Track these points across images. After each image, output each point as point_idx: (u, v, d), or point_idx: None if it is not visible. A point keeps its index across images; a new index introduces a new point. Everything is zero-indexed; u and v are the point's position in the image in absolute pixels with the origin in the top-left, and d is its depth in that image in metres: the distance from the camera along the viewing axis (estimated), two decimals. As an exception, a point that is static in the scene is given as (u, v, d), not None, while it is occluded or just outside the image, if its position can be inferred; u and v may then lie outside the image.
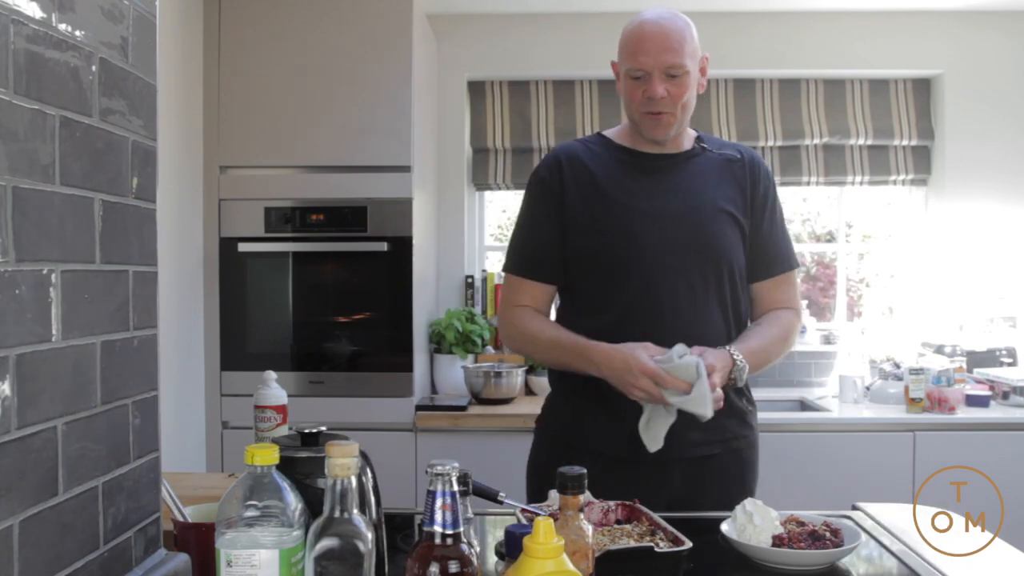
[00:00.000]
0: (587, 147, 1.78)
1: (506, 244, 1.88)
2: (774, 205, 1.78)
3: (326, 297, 3.04)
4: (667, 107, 1.65)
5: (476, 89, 3.73)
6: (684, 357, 1.51)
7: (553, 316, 1.81)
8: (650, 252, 1.66)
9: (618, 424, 1.62)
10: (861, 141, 3.70)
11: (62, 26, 0.86)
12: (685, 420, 1.55)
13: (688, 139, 1.78)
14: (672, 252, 1.66)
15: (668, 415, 1.54)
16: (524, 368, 3.24)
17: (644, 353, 1.53)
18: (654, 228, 1.67)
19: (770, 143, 3.71)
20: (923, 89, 3.73)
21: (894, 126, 3.70)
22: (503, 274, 1.84)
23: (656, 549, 1.20)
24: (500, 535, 1.17)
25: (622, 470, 1.60)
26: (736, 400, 1.71)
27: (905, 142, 3.71)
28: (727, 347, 1.62)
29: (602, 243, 1.68)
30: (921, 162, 3.74)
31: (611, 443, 1.64)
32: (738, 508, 1.29)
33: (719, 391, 1.54)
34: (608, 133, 1.81)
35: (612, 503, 1.37)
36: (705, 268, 1.67)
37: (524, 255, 1.77)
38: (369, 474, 1.09)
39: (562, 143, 1.85)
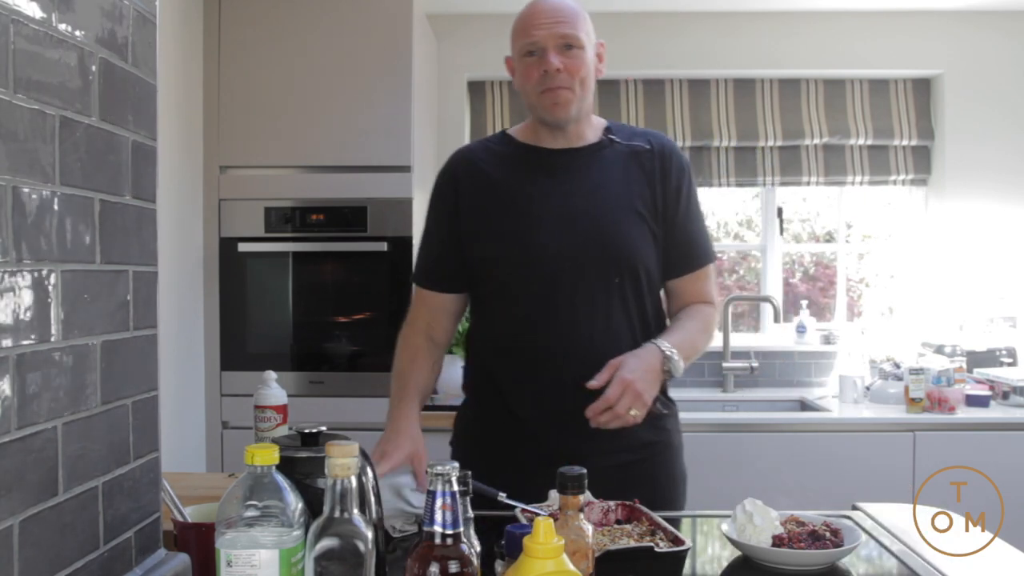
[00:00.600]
0: (488, 148, 1.72)
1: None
2: (689, 197, 1.69)
3: (326, 297, 3.04)
4: (565, 82, 1.57)
5: (476, 89, 3.73)
6: (403, 479, 1.45)
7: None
8: (549, 258, 1.59)
9: (521, 434, 1.61)
10: (861, 141, 3.70)
11: (62, 26, 0.86)
12: (589, 430, 1.52)
13: (595, 131, 1.68)
14: (572, 257, 1.59)
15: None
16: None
17: (397, 454, 1.49)
18: (552, 232, 1.59)
19: (770, 143, 3.71)
20: (923, 89, 3.73)
21: (894, 126, 3.70)
22: None
23: (656, 549, 1.20)
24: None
25: (527, 480, 1.45)
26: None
27: (905, 142, 3.71)
28: (654, 341, 1.57)
29: (498, 251, 1.62)
30: (921, 162, 3.74)
31: (514, 452, 1.61)
32: (738, 508, 1.29)
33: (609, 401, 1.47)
34: (513, 131, 1.74)
35: (612, 503, 1.37)
36: (608, 272, 1.60)
37: (420, 264, 1.74)
38: (369, 474, 1.09)
39: (464, 145, 1.80)
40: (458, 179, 1.68)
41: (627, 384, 1.48)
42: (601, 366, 1.59)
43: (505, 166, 1.67)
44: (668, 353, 1.55)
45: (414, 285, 1.76)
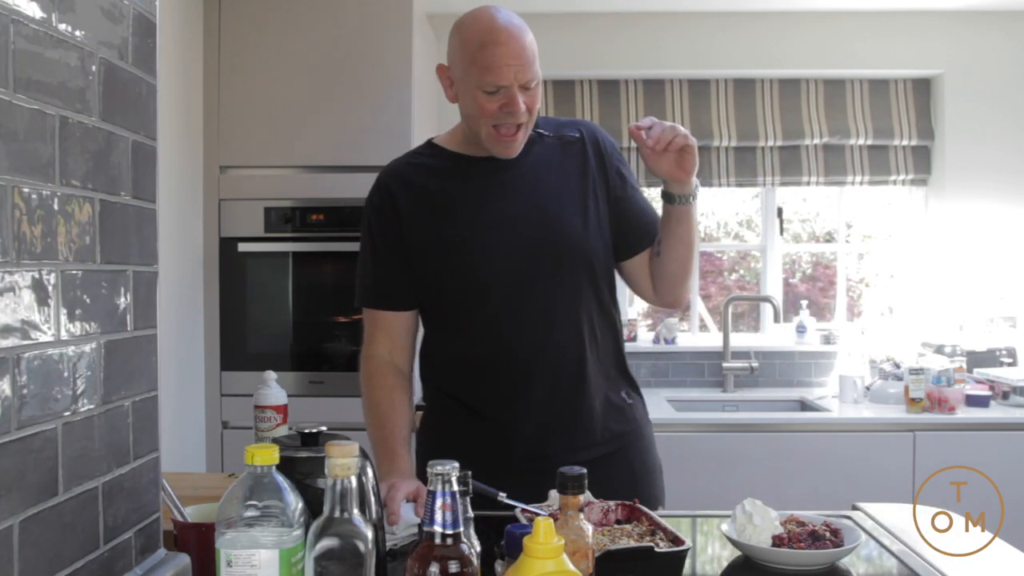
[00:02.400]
0: (418, 160, 1.68)
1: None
2: (626, 175, 1.68)
3: (326, 297, 3.04)
4: (523, 118, 1.54)
5: (476, 89, 3.73)
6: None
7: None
8: (498, 261, 1.58)
9: (489, 438, 1.60)
10: (861, 141, 3.70)
11: (62, 26, 0.86)
12: (557, 428, 1.54)
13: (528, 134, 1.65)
14: (522, 258, 1.58)
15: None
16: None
17: (402, 491, 1.43)
18: (498, 235, 1.58)
19: (770, 143, 3.71)
20: (923, 89, 3.73)
21: (894, 126, 3.70)
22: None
23: (656, 549, 1.20)
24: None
25: (501, 483, 1.43)
26: (611, 396, 1.65)
27: (905, 142, 3.71)
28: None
29: (447, 261, 1.60)
30: (921, 162, 3.74)
31: (483, 456, 1.54)
32: (738, 508, 1.29)
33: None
34: (438, 140, 1.71)
35: (612, 503, 1.37)
36: (559, 267, 1.59)
37: (368, 286, 1.67)
38: (369, 474, 1.09)
39: (390, 162, 1.73)
40: (395, 194, 1.64)
41: (671, 126, 1.50)
42: (563, 362, 1.61)
43: (440, 177, 1.64)
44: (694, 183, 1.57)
45: (365, 311, 1.70)
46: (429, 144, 1.72)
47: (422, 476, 1.67)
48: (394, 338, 1.67)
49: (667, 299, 1.74)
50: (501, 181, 1.62)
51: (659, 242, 1.65)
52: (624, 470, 1.64)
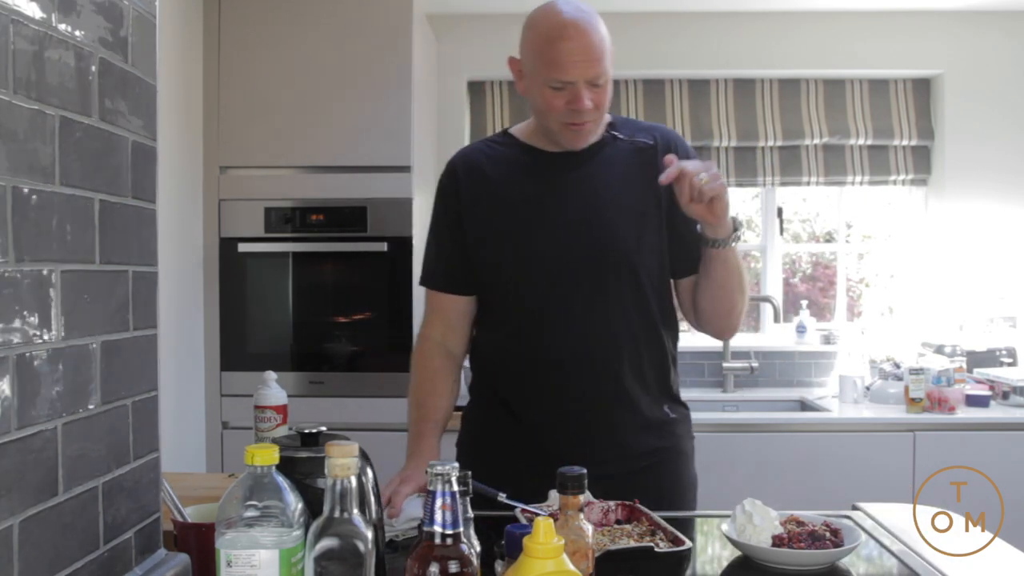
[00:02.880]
0: (490, 148, 1.69)
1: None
2: None
3: (326, 297, 3.04)
4: (591, 116, 1.54)
5: (476, 89, 3.73)
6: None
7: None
8: (546, 263, 1.58)
9: (524, 439, 1.60)
10: (861, 141, 3.70)
11: (62, 26, 0.86)
12: (586, 434, 1.55)
13: (599, 129, 1.64)
14: (568, 261, 1.58)
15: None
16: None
17: (410, 486, 1.46)
18: (549, 237, 1.58)
19: (770, 143, 3.71)
20: (923, 89, 3.73)
21: (894, 126, 3.70)
22: None
23: (656, 549, 1.20)
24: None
25: (531, 485, 1.44)
26: (652, 412, 1.63)
27: (905, 142, 3.71)
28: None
29: (499, 256, 1.61)
30: (921, 162, 3.74)
31: (517, 457, 1.60)
32: (737, 508, 1.29)
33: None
34: (515, 130, 1.70)
35: (612, 503, 1.37)
36: (605, 275, 1.58)
37: (430, 267, 1.70)
38: (369, 474, 1.09)
39: (466, 145, 1.75)
40: (460, 179, 1.66)
41: (709, 168, 1.47)
42: (597, 371, 1.59)
43: (505, 168, 1.65)
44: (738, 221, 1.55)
45: (425, 291, 1.72)
46: (505, 133, 1.72)
47: (461, 460, 1.69)
48: (449, 321, 1.68)
49: (705, 330, 1.72)
50: (563, 180, 1.62)
51: (699, 281, 1.64)
52: (653, 486, 1.60)
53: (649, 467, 1.62)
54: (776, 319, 3.53)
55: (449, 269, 1.68)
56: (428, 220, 1.76)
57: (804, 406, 3.42)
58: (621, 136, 1.65)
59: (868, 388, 3.30)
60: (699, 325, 1.72)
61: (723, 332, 1.72)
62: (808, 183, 3.74)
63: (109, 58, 0.94)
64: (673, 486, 1.66)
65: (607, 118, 1.66)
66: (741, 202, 4.02)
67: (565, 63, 1.49)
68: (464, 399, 1.75)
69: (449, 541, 0.88)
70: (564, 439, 1.58)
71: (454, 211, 1.66)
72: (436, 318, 1.70)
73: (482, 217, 1.63)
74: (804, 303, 3.74)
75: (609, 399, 1.60)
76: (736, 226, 1.55)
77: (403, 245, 2.95)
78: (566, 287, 1.59)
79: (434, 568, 0.87)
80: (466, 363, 1.74)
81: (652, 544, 1.21)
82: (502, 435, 1.65)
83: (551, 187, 1.62)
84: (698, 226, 1.57)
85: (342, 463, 0.90)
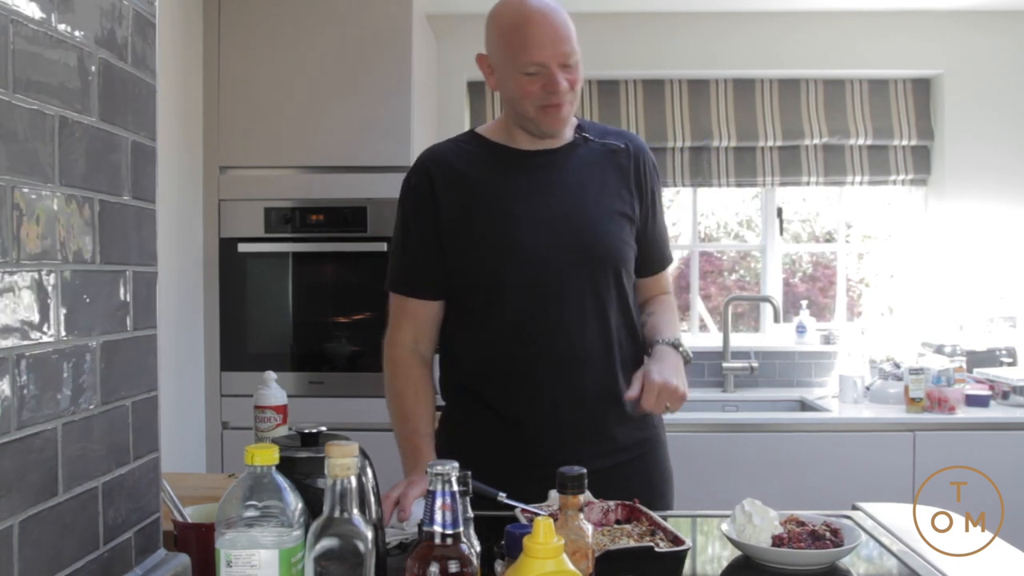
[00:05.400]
0: (458, 147, 1.66)
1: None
2: (658, 200, 1.70)
3: (326, 297, 3.04)
4: (568, 97, 1.54)
5: (476, 89, 3.73)
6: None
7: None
8: (532, 260, 1.57)
9: (513, 440, 1.60)
10: (861, 141, 3.70)
11: (62, 26, 0.86)
12: (582, 431, 1.56)
13: (569, 129, 1.65)
14: (555, 258, 1.57)
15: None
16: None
17: (417, 489, 1.45)
18: (534, 233, 1.57)
19: (770, 143, 3.71)
20: (923, 89, 3.73)
21: (894, 126, 3.70)
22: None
23: (656, 549, 1.20)
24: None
25: (521, 485, 1.43)
26: (626, 407, 1.61)
27: (905, 142, 3.71)
28: (660, 342, 1.59)
29: (481, 254, 1.59)
30: (921, 162, 3.74)
31: (506, 458, 1.58)
32: (737, 508, 1.29)
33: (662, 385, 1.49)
34: (481, 130, 1.69)
35: (612, 503, 1.37)
36: (592, 272, 1.59)
37: (401, 270, 1.67)
38: (369, 474, 1.09)
39: (431, 145, 1.72)
40: (433, 178, 1.62)
41: (660, 387, 1.49)
42: (589, 366, 1.60)
43: (481, 166, 1.63)
44: (680, 347, 1.59)
45: (392, 296, 1.69)
46: (472, 133, 1.70)
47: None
48: (420, 326, 1.67)
49: None
50: (540, 179, 1.61)
51: (648, 315, 1.71)
52: (643, 477, 1.64)
53: (635, 459, 1.65)
54: (776, 319, 3.53)
55: (420, 273, 1.65)
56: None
57: (804, 406, 3.42)
58: (592, 138, 1.66)
59: (868, 388, 3.30)
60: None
61: None
62: (808, 183, 3.74)
63: (109, 58, 0.94)
64: (660, 476, 1.69)
65: (573, 121, 1.66)
66: (741, 202, 4.02)
67: (535, 46, 1.50)
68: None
69: (449, 541, 0.88)
70: (550, 436, 1.59)
71: (427, 210, 1.62)
72: (406, 323, 1.67)
73: (460, 215, 1.60)
74: (804, 303, 3.74)
75: (598, 392, 1.61)
76: (685, 356, 1.61)
77: (403, 245, 2.95)
78: (550, 284, 1.58)
79: (434, 568, 0.87)
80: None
81: (652, 544, 1.21)
82: (484, 435, 1.63)
83: (528, 185, 1.61)
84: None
85: (342, 463, 0.90)
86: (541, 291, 1.58)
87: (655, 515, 1.33)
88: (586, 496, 1.13)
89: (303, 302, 3.01)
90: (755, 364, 3.53)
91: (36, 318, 0.82)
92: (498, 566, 1.08)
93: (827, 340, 3.68)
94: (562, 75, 1.52)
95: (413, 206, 1.64)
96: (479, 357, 1.65)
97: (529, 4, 1.52)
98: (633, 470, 1.63)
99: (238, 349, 2.99)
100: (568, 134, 1.65)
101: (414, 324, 1.67)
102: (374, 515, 1.09)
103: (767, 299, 3.65)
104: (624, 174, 1.65)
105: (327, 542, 0.89)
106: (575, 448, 1.56)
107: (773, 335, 3.79)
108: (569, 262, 1.58)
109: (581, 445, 1.57)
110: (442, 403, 1.75)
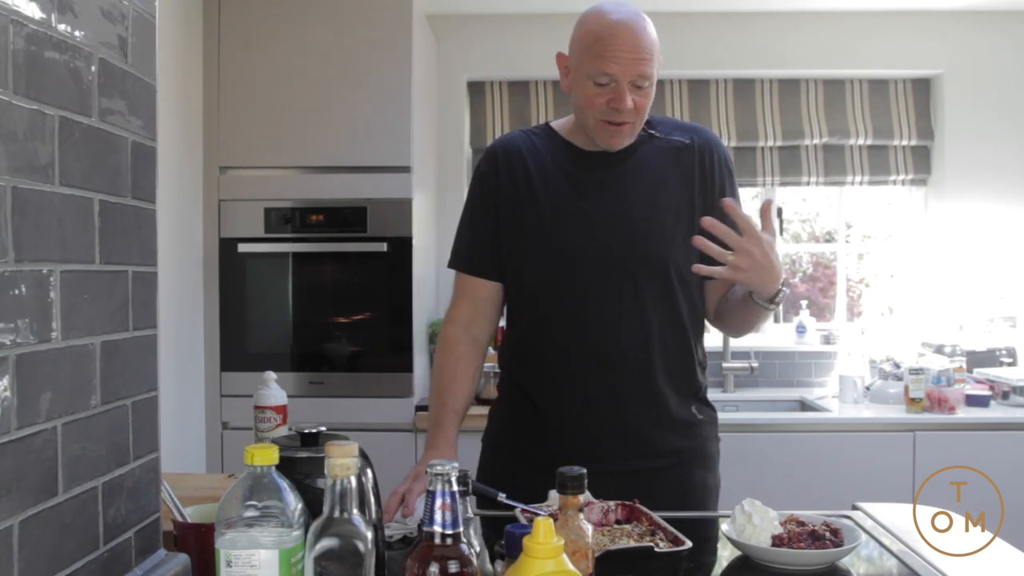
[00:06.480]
0: (530, 139, 1.69)
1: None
2: (727, 193, 1.63)
3: (326, 297, 3.04)
4: (631, 117, 1.54)
5: (476, 89, 3.73)
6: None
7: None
8: (575, 259, 1.58)
9: (550, 437, 1.60)
10: (861, 141, 3.70)
11: (62, 26, 0.86)
12: (611, 431, 1.55)
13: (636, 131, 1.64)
14: (598, 258, 1.58)
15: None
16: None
17: (422, 482, 1.43)
18: (580, 233, 1.58)
19: (770, 143, 3.71)
20: (923, 89, 3.73)
21: (894, 126, 3.70)
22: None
23: (656, 549, 1.20)
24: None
25: (549, 473, 1.43)
26: (680, 411, 1.62)
27: (905, 142, 3.71)
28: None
29: (529, 249, 1.61)
30: (921, 162, 3.74)
31: (542, 455, 1.57)
32: (737, 508, 1.29)
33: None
34: (556, 124, 1.71)
35: (612, 503, 1.37)
36: (635, 273, 1.58)
37: (462, 249, 1.70)
38: (369, 474, 1.09)
39: (506, 133, 1.75)
40: (500, 165, 1.66)
41: (762, 239, 1.50)
42: (625, 368, 1.59)
43: (543, 160, 1.65)
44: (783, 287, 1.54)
45: (455, 274, 1.71)
46: (545, 126, 1.73)
47: (486, 456, 1.71)
48: (476, 306, 1.68)
49: (720, 330, 1.81)
50: (598, 178, 1.62)
51: (731, 292, 1.65)
52: (675, 487, 1.61)
53: (673, 466, 1.62)
54: (776, 319, 3.53)
55: (481, 252, 1.67)
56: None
57: (804, 406, 3.42)
58: (658, 135, 1.65)
59: (868, 388, 3.30)
60: (715, 325, 1.75)
61: (737, 336, 1.79)
62: (808, 183, 3.74)
63: (108, 58, 0.94)
64: (695, 489, 1.64)
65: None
66: (741, 202, 4.01)
67: (612, 57, 1.50)
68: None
69: (449, 541, 0.88)
70: (586, 434, 1.58)
71: (492, 196, 1.66)
72: (464, 302, 1.69)
73: (518, 206, 1.63)
74: (804, 303, 3.74)
75: (634, 396, 1.59)
76: (777, 298, 1.54)
77: (403, 245, 2.95)
78: (594, 284, 1.59)
79: (434, 568, 0.87)
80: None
81: (652, 544, 1.21)
82: (527, 431, 1.65)
83: (586, 184, 1.62)
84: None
85: (342, 463, 0.90)
86: (576, 287, 1.59)
87: (655, 515, 1.33)
88: (586, 496, 1.12)
89: (303, 302, 3.01)
90: (755, 364, 3.53)
91: (36, 318, 0.82)
92: (498, 566, 1.08)
93: (827, 340, 3.68)
94: (631, 95, 1.51)
95: (479, 188, 1.69)
96: (519, 349, 1.68)
97: (619, 16, 1.52)
98: (667, 478, 1.60)
99: (238, 349, 2.99)
100: (633, 135, 1.63)
101: (471, 303, 1.68)
102: (374, 515, 1.09)
103: (767, 299, 3.64)
104: (686, 172, 1.62)
105: (327, 542, 0.89)
106: (603, 447, 1.57)
107: (773, 335, 3.79)
108: (608, 261, 1.58)
109: (610, 445, 1.57)
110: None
